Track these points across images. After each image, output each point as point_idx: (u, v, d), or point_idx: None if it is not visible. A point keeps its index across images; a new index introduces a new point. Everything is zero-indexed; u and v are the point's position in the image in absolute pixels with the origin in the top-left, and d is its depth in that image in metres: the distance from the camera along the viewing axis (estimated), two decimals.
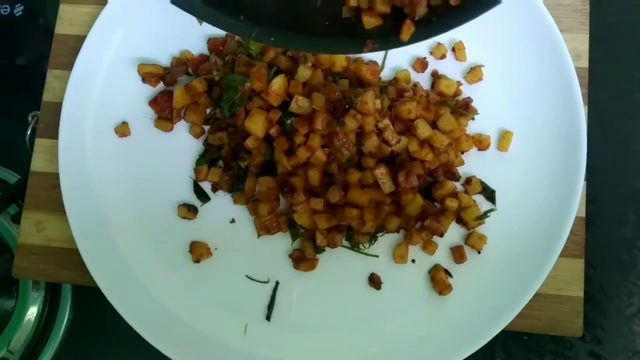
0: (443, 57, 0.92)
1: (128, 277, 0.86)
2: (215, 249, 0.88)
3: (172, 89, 0.91)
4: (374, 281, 0.85)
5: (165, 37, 0.94)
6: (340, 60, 0.87)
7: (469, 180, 0.87)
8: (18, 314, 0.92)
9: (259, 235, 0.88)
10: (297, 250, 0.87)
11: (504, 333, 0.81)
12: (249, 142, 0.84)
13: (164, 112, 0.91)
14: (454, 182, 0.87)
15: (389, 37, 0.66)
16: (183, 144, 0.91)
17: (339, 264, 0.86)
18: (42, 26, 1.09)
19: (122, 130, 0.91)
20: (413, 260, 0.86)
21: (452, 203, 0.84)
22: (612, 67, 0.99)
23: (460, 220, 0.86)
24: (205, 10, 0.67)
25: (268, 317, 0.85)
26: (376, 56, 0.92)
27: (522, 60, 0.89)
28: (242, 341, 0.84)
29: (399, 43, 0.66)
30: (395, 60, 0.92)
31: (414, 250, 0.86)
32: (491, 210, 0.86)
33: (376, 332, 0.84)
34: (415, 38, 0.66)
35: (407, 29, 0.64)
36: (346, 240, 0.86)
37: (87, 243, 0.86)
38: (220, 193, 0.90)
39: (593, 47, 0.91)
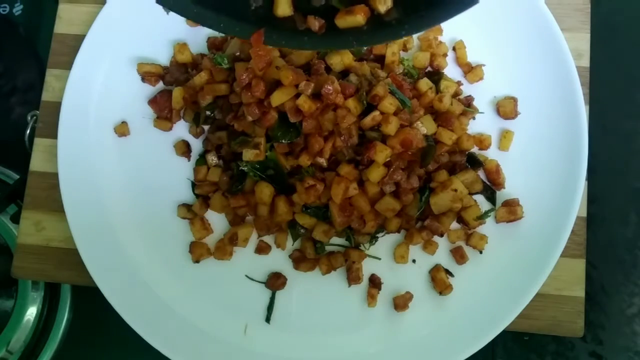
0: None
1: (127, 277, 0.86)
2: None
3: (172, 88, 0.90)
4: (374, 282, 0.85)
5: (165, 36, 0.93)
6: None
7: None
8: (17, 314, 0.92)
9: (259, 235, 0.87)
10: (297, 250, 0.87)
11: (504, 333, 0.81)
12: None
13: (164, 111, 0.90)
14: None
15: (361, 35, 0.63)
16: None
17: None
18: (41, 25, 1.09)
19: (122, 129, 0.91)
20: (414, 261, 0.86)
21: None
22: (613, 66, 0.98)
23: (460, 220, 0.86)
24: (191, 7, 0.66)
25: (268, 318, 0.85)
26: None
27: (523, 60, 0.89)
28: (241, 341, 0.84)
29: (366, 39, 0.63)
30: None
31: (415, 250, 0.86)
32: (491, 210, 0.86)
33: (376, 332, 0.84)
34: (385, 36, 0.63)
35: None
36: (346, 240, 0.86)
37: (86, 243, 0.85)
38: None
39: (594, 47, 0.91)
